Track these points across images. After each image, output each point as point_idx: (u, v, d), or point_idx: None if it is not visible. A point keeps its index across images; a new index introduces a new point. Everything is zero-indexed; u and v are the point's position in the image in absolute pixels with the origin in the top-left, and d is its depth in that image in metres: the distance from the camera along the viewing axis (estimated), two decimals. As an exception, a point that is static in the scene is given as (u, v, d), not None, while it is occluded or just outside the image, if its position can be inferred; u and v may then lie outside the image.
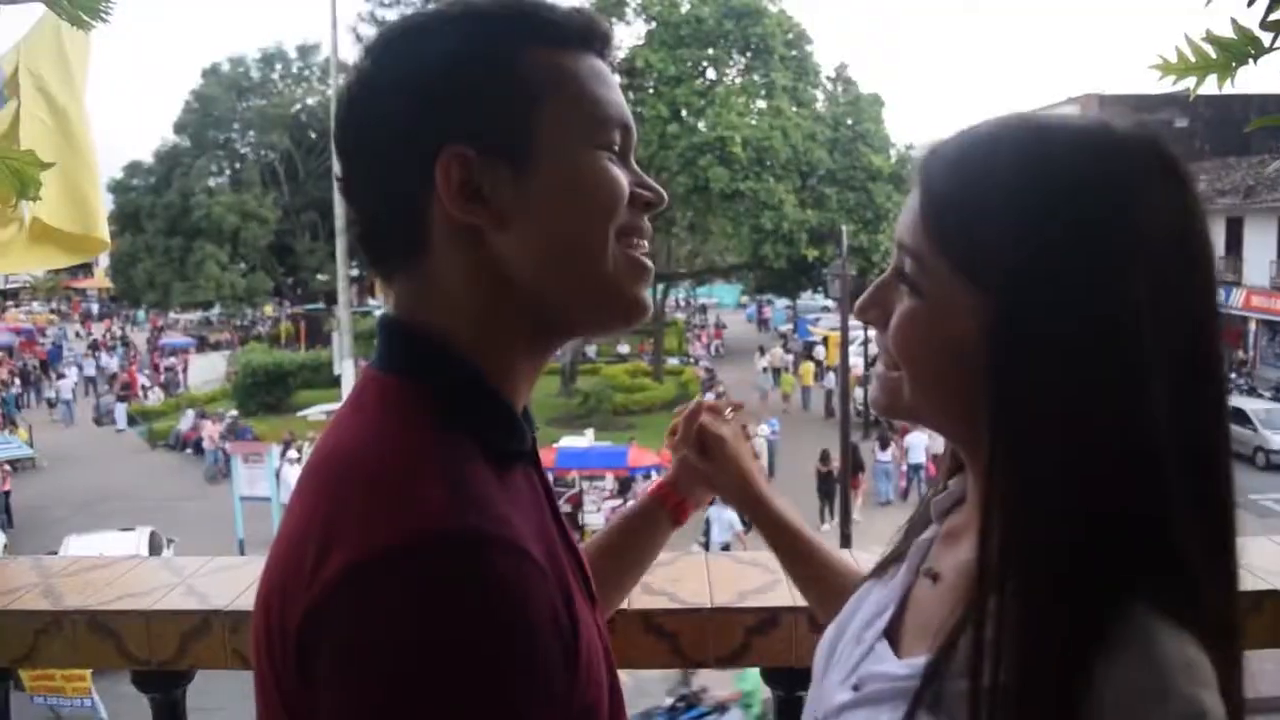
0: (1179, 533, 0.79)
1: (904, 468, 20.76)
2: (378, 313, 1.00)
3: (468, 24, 0.89)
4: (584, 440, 22.14)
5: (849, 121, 29.79)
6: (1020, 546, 0.81)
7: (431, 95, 0.87)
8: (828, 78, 31.19)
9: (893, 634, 0.98)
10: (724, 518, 16.62)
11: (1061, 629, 0.78)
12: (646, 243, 0.97)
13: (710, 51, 29.03)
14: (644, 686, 11.54)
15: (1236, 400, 22.89)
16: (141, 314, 53.51)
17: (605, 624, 1.04)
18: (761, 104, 29.15)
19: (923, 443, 19.55)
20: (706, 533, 16.92)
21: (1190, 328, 0.81)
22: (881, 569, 1.08)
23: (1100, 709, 0.75)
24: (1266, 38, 1.26)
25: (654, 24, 29.04)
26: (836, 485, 17.75)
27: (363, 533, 0.76)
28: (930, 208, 0.87)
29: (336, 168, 0.94)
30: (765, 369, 31.86)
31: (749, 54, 29.31)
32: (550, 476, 1.08)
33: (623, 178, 0.92)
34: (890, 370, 0.92)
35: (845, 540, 15.17)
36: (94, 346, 41.88)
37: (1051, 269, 0.79)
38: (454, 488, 0.79)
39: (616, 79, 0.96)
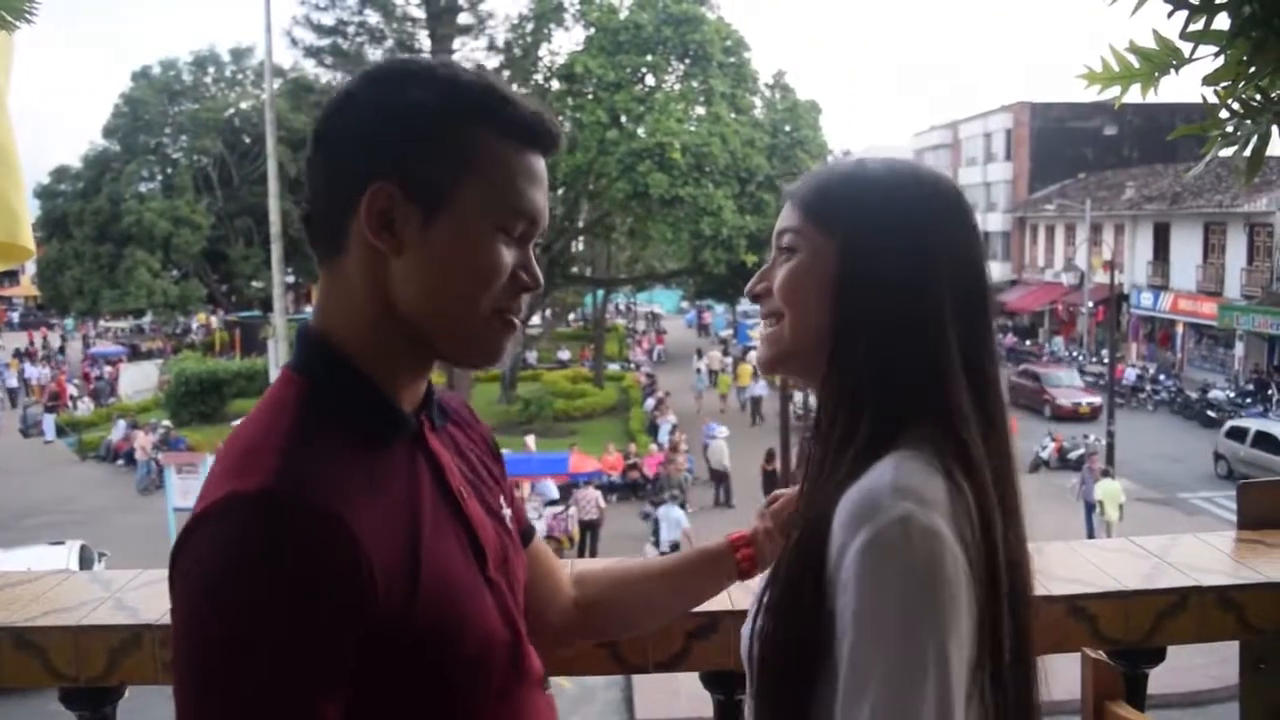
0: (954, 403, 1.08)
1: None
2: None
3: (445, 89, 1.07)
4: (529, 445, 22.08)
5: (787, 128, 30.01)
6: (827, 421, 1.12)
7: (394, 133, 1.05)
8: (766, 84, 31.43)
9: None
10: (672, 516, 16.71)
11: (837, 470, 1.07)
12: (518, 313, 1.13)
13: (649, 58, 29.08)
14: (588, 694, 11.53)
15: (1266, 425, 22.79)
16: (70, 322, 52.36)
17: (510, 580, 1.19)
18: (700, 110, 29.25)
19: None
20: (655, 532, 17.00)
21: (969, 273, 1.14)
22: None
23: (833, 530, 1.01)
24: (1187, 48, 1.29)
25: (593, 30, 29.03)
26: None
27: (205, 493, 0.97)
28: (801, 194, 1.20)
29: (308, 149, 1.10)
30: (700, 370, 33.77)
31: (688, 60, 29.39)
32: None
33: (508, 260, 1.09)
34: (771, 325, 1.20)
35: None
36: (22, 355, 40.88)
37: (875, 220, 1.13)
38: (281, 457, 0.97)
39: (545, 175, 1.13)
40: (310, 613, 0.92)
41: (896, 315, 1.10)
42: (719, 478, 21.45)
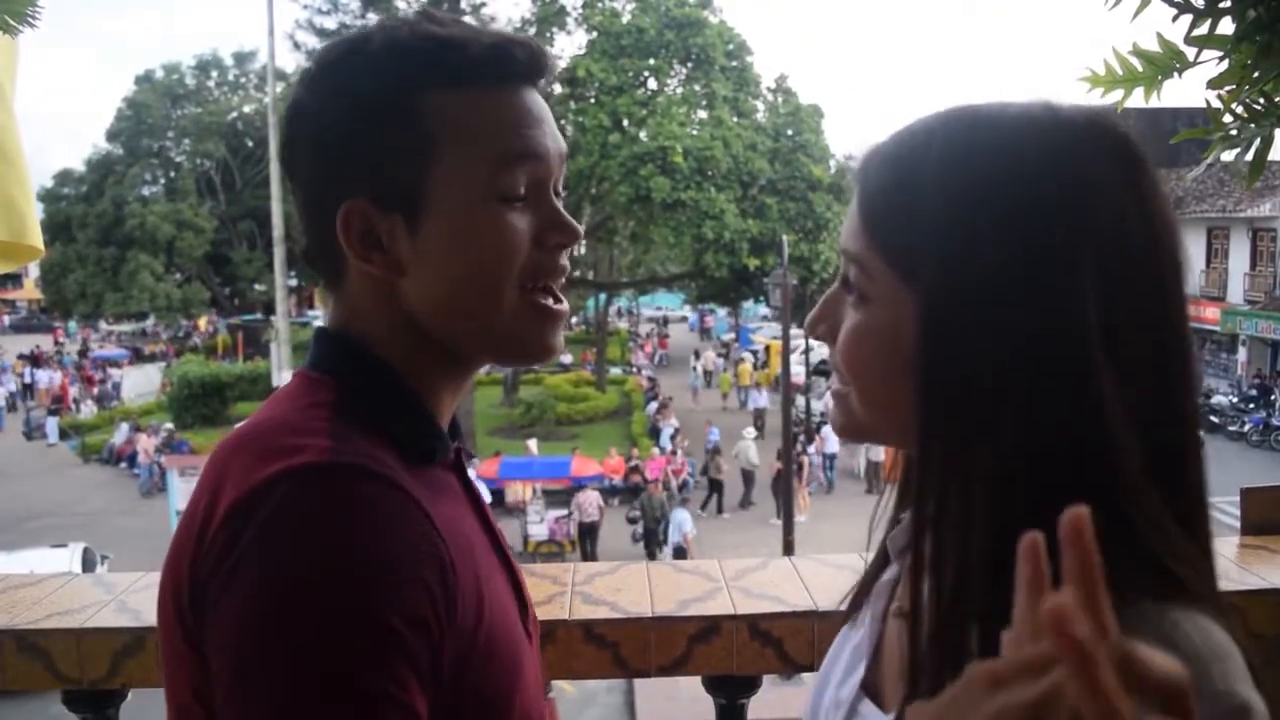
0: (1151, 536, 0.72)
1: (820, 457, 22.22)
2: (317, 324, 1.04)
3: (378, 67, 0.90)
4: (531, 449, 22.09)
5: (789, 132, 29.99)
6: (950, 565, 0.74)
7: (336, 147, 0.91)
8: (768, 88, 31.41)
9: (872, 686, 0.92)
10: (677, 519, 16.72)
11: None
12: (556, 279, 0.96)
13: (651, 62, 29.09)
14: (589, 698, 11.51)
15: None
16: (73, 325, 52.36)
17: (535, 633, 1.07)
18: (703, 114, 29.25)
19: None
20: (664, 534, 17.04)
21: (1151, 322, 0.74)
22: (850, 614, 1.01)
23: None
24: (1191, 52, 1.29)
25: (595, 34, 29.05)
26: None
27: (242, 479, 0.80)
28: (867, 206, 0.82)
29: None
30: (695, 369, 35.03)
31: (690, 64, 29.40)
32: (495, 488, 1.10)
33: (523, 226, 0.92)
34: (842, 386, 0.87)
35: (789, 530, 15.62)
36: (26, 359, 40.89)
37: (981, 258, 0.73)
38: (334, 438, 0.83)
39: (538, 106, 0.95)
40: (405, 588, 0.77)
41: (1029, 407, 0.73)
42: (747, 478, 21.45)
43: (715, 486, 21.15)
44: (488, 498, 1.08)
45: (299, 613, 0.75)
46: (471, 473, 1.05)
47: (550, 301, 0.96)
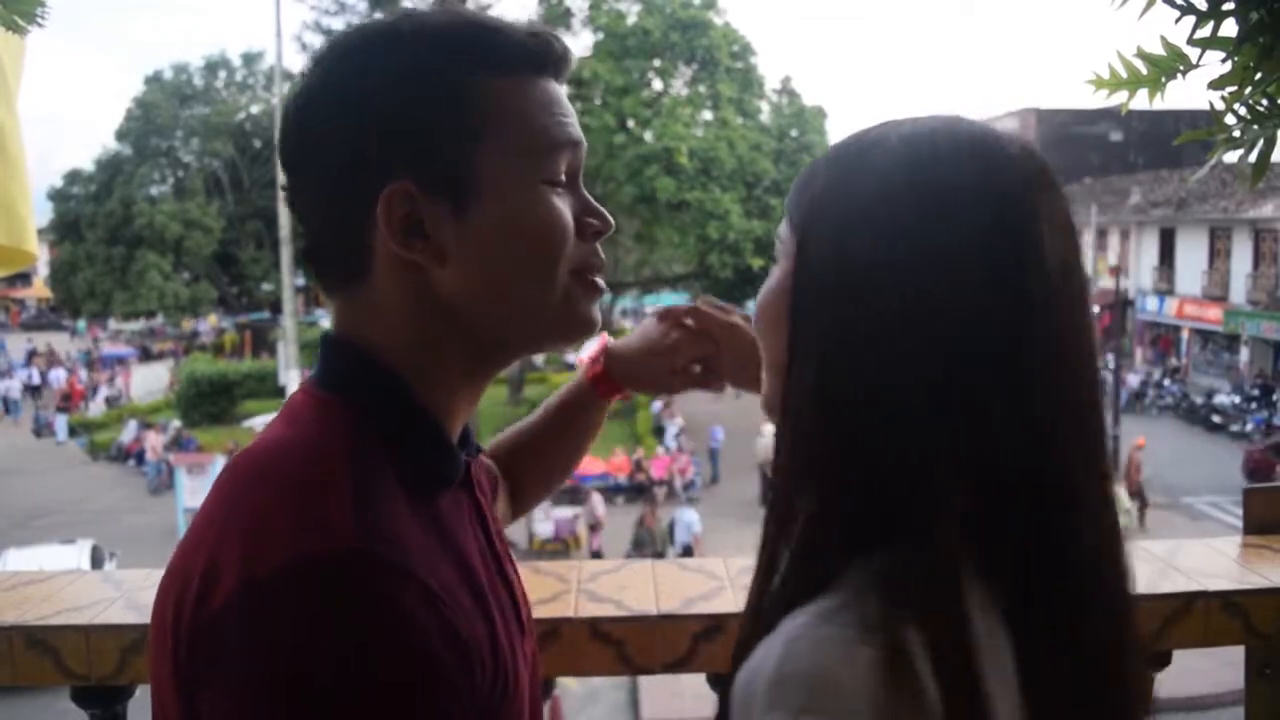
0: (941, 509, 0.69)
1: None
2: (324, 323, 0.99)
3: (416, 48, 0.87)
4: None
5: (793, 133, 30.01)
6: (779, 486, 0.79)
7: (376, 128, 0.86)
8: (773, 89, 31.42)
9: None
10: (685, 519, 16.70)
11: (765, 594, 0.76)
12: (600, 268, 0.96)
13: (657, 63, 29.10)
14: (594, 695, 11.52)
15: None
16: (82, 324, 52.48)
17: (534, 651, 1.05)
18: (708, 115, 29.27)
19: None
20: (671, 533, 16.99)
21: (1026, 302, 0.72)
22: None
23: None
24: (1194, 54, 1.30)
25: (601, 35, 29.06)
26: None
27: (255, 549, 0.75)
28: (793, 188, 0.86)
29: (282, 178, 0.93)
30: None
31: (695, 65, 29.41)
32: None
33: (567, 214, 0.91)
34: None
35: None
36: (34, 357, 40.99)
37: (826, 187, 0.79)
38: (355, 507, 0.78)
39: (566, 102, 0.94)
40: (431, 696, 0.74)
41: (847, 346, 0.74)
42: (764, 474, 21.37)
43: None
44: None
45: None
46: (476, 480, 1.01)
47: (598, 279, 0.96)
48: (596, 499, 18.36)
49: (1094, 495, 0.75)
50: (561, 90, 0.94)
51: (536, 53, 0.91)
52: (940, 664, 0.64)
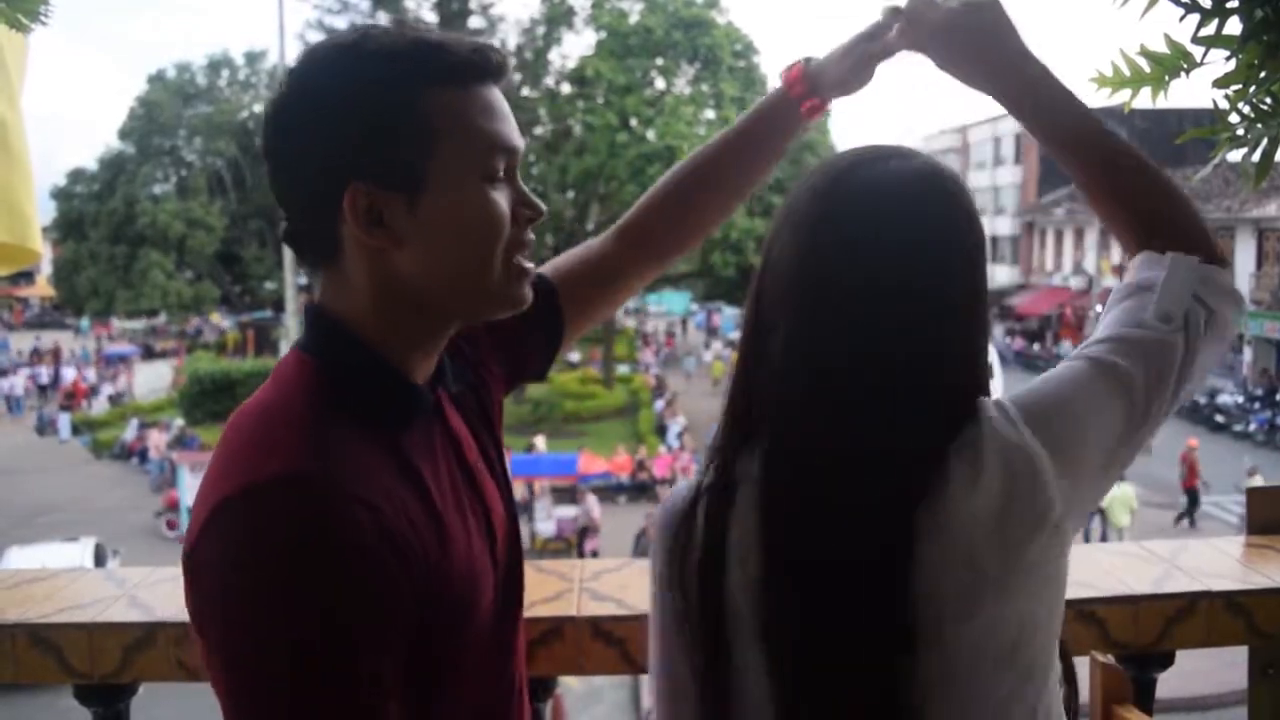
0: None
1: None
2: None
3: (374, 63, 1.01)
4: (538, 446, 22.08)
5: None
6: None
7: (341, 135, 1.01)
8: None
9: None
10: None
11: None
12: (530, 251, 1.12)
13: (659, 61, 29.12)
14: (596, 694, 11.52)
15: None
16: (85, 323, 52.56)
17: (508, 558, 1.19)
18: (710, 114, 29.28)
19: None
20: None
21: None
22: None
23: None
24: (1198, 52, 1.29)
25: (603, 33, 29.08)
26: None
27: (222, 480, 0.93)
28: None
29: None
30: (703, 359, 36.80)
31: (698, 64, 29.43)
32: None
33: (505, 205, 1.06)
34: None
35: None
36: (37, 355, 41.05)
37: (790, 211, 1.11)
38: (309, 439, 0.96)
39: (505, 102, 1.09)
40: (362, 604, 0.90)
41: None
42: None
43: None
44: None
45: (269, 654, 0.88)
46: (454, 412, 1.17)
47: (527, 262, 1.11)
48: (591, 501, 18.14)
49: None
50: (500, 95, 1.09)
51: (478, 65, 1.05)
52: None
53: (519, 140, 1.10)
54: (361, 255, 1.04)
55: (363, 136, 1.00)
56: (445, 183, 1.03)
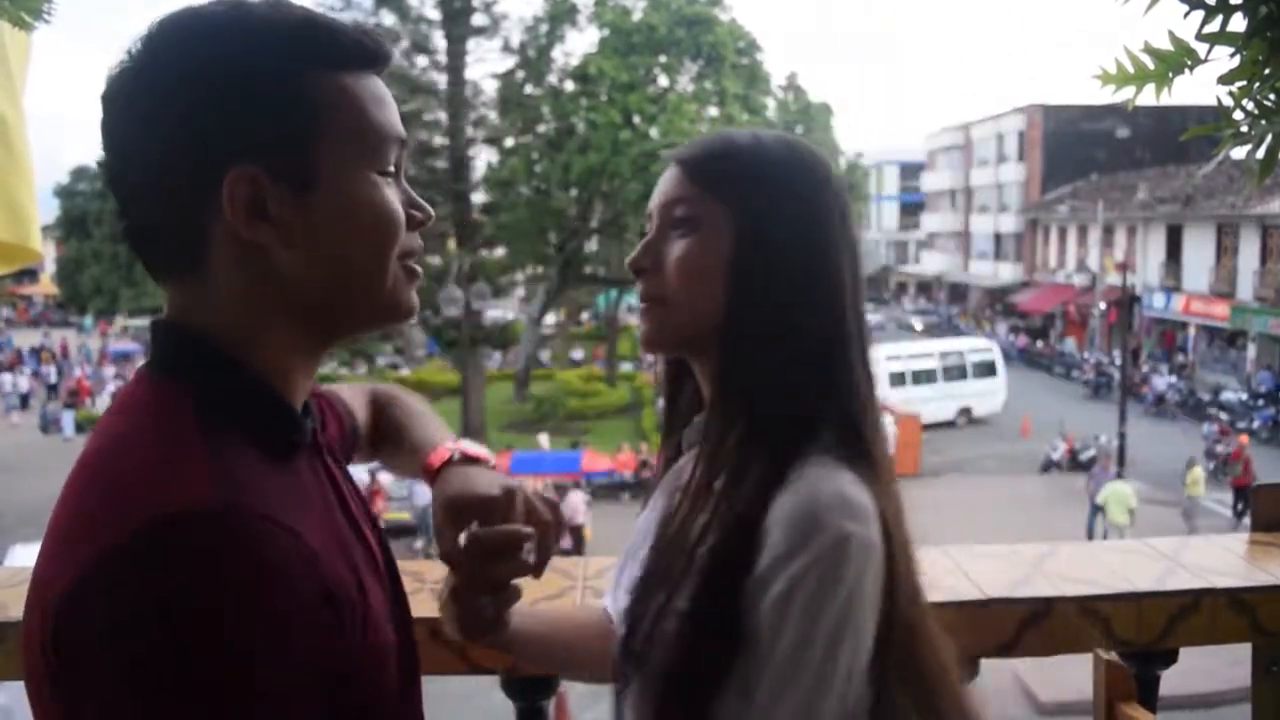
0: (861, 401, 1.07)
1: None
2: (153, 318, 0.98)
3: (254, 35, 0.89)
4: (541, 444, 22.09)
5: (799, 129, 30.04)
6: (724, 415, 1.07)
7: (217, 110, 0.87)
8: (779, 86, 31.45)
9: None
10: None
11: (756, 475, 1.01)
12: (418, 255, 1.01)
13: (662, 59, 29.11)
14: (598, 694, 11.50)
15: None
16: (88, 321, 52.62)
17: (400, 607, 1.04)
18: (714, 111, 29.27)
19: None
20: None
21: (858, 258, 1.11)
22: (647, 499, 1.27)
23: (768, 537, 0.97)
24: (1202, 49, 1.29)
25: (606, 31, 29.07)
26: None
27: (109, 521, 0.76)
28: (694, 160, 1.14)
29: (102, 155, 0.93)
30: None
31: (701, 62, 29.42)
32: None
33: (398, 203, 0.96)
34: (656, 305, 1.13)
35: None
36: (39, 354, 41.10)
37: (778, 191, 1.09)
38: (211, 469, 0.80)
39: (390, 98, 0.98)
40: (293, 647, 0.76)
41: (800, 299, 1.07)
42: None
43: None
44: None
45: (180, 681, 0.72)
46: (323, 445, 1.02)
47: (414, 265, 1.00)
48: (575, 498, 17.53)
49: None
50: (383, 86, 0.98)
51: (369, 49, 0.95)
52: (882, 491, 1.02)
53: (405, 135, 1.00)
54: (234, 256, 0.89)
55: (246, 117, 0.87)
56: (337, 175, 0.91)
